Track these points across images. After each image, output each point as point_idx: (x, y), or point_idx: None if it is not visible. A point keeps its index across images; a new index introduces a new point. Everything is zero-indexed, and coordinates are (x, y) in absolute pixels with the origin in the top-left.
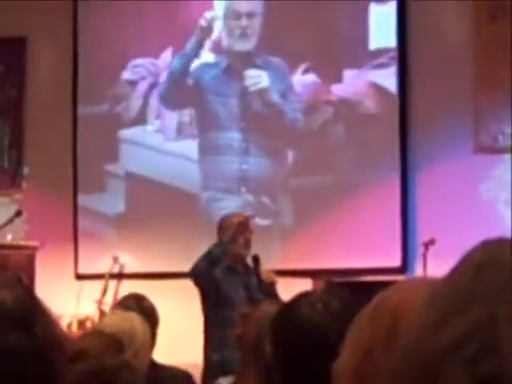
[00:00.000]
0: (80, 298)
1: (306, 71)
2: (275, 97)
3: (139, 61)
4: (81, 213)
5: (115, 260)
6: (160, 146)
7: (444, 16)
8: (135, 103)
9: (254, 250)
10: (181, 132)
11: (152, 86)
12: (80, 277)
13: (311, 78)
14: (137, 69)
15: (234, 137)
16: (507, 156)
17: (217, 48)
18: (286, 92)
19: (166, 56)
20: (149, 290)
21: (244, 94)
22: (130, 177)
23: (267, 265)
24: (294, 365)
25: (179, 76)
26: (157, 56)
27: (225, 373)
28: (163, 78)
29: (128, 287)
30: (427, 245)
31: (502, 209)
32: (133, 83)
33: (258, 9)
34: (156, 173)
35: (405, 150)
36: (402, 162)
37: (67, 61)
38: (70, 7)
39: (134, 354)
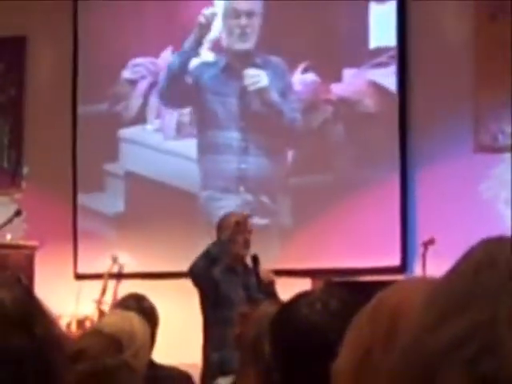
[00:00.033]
0: (79, 298)
1: (305, 70)
2: (274, 96)
3: (139, 60)
4: (80, 212)
5: (114, 260)
6: (159, 145)
7: (444, 15)
8: (135, 102)
9: (253, 249)
10: (180, 131)
11: (152, 86)
12: (79, 276)
13: (311, 77)
14: (137, 68)
15: (233, 136)
16: (507, 155)
17: (216, 47)
18: (286, 91)
19: (166, 55)
20: (148, 289)
21: (243, 93)
22: (129, 176)
23: (266, 264)
24: (293, 364)
25: (178, 73)
26: (157, 55)
27: (224, 373)
28: (163, 76)
29: (127, 287)
30: (427, 244)
31: (501, 208)
32: (133, 82)
33: (258, 8)
34: (155, 172)
35: (404, 149)
36: (402, 161)
37: (67, 60)
38: (69, 7)
39: (133, 354)
